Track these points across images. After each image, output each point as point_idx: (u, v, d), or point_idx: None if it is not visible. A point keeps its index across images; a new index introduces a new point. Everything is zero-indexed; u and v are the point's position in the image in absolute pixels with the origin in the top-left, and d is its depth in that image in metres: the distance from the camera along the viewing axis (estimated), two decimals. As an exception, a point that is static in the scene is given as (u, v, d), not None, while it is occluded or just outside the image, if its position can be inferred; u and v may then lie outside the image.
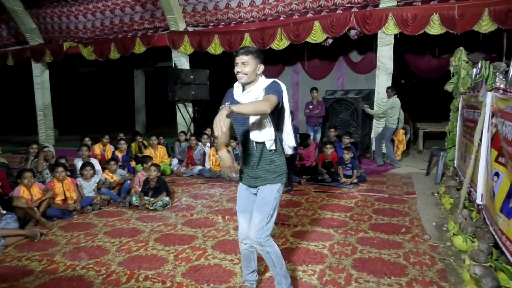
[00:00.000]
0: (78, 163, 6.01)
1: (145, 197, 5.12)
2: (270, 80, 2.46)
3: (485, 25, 7.09)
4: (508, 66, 4.01)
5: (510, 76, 3.73)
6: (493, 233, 2.78)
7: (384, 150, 7.50)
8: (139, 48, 10.26)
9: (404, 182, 6.12)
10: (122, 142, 7.24)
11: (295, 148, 2.60)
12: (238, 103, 2.40)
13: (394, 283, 2.89)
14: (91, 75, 14.82)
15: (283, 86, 2.45)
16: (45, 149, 6.28)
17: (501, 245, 2.51)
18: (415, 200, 5.08)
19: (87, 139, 7.29)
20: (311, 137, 7.94)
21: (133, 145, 7.91)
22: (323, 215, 4.56)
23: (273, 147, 2.42)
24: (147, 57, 11.97)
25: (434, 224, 4.19)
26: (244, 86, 2.47)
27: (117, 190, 5.63)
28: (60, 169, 5.00)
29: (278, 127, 2.46)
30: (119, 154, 7.07)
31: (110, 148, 7.39)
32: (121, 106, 15.23)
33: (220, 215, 4.61)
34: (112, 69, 13.67)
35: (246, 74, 2.39)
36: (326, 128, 8.05)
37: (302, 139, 7.45)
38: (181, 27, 9.82)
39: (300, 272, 3.10)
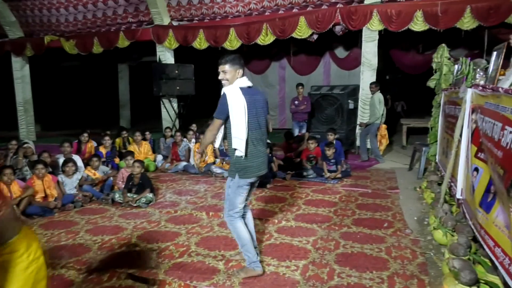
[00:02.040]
0: (60, 159, 5.90)
1: (128, 194, 5.06)
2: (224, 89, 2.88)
3: (467, 22, 7.20)
4: (488, 63, 4.08)
5: (490, 72, 3.80)
6: (472, 227, 2.83)
7: (369, 146, 7.57)
8: (123, 42, 10.09)
9: (387, 177, 6.20)
10: (107, 138, 7.13)
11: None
12: None
13: (376, 277, 2.92)
14: (75, 69, 14.53)
15: (229, 96, 2.81)
16: (25, 145, 6.14)
17: (480, 239, 2.56)
18: (398, 195, 5.15)
19: (85, 134, 7.11)
20: (297, 132, 7.96)
21: (117, 140, 7.79)
22: (307, 211, 4.58)
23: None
24: (132, 51, 11.79)
25: (415, 218, 4.25)
26: None
27: (99, 187, 5.54)
28: (40, 166, 4.90)
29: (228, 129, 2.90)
30: (103, 150, 6.96)
31: (92, 144, 7.26)
32: (105, 101, 14.99)
33: (204, 212, 4.59)
34: (96, 64, 13.42)
35: (227, 80, 2.87)
36: (312, 124, 8.08)
37: (286, 137, 7.48)
38: (166, 21, 9.70)
39: (284, 268, 3.11)
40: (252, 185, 3.02)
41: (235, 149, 2.86)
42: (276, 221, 4.21)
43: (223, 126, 2.94)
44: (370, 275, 2.96)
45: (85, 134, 7.10)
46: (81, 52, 10.66)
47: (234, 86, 2.85)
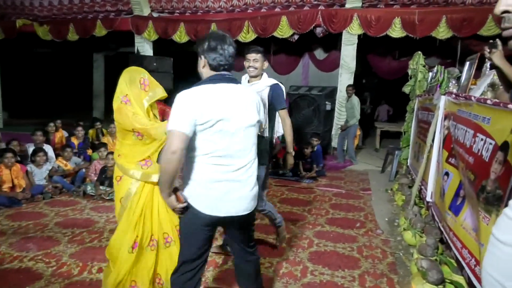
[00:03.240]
0: (30, 148, 5.68)
1: (101, 187, 4.94)
2: (273, 81, 3.07)
3: (442, 32, 7.47)
4: (461, 72, 4.25)
5: (462, 81, 3.95)
6: (442, 229, 2.95)
7: (345, 148, 7.72)
8: (100, 31, 9.83)
9: (360, 178, 6.34)
10: (79, 128, 6.92)
11: None
12: None
13: (348, 275, 2.99)
14: (47, 56, 13.99)
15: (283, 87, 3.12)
16: (-8, 132, 5.89)
17: (448, 241, 2.67)
18: (370, 196, 5.28)
19: (52, 124, 6.87)
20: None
21: (91, 131, 7.59)
22: (282, 209, 4.62)
23: None
24: (108, 41, 11.48)
25: (386, 219, 4.38)
26: (250, 78, 3.06)
27: (70, 179, 5.39)
28: (9, 154, 4.71)
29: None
30: (75, 141, 6.76)
31: (62, 134, 7.04)
32: (79, 91, 14.53)
33: (179, 207, 4.54)
34: (70, 52, 12.98)
35: (256, 68, 2.99)
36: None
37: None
38: (146, 12, 9.52)
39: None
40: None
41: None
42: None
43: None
44: (342, 273, 3.03)
45: (51, 124, 6.85)
46: (55, 39, 10.31)
47: (271, 79, 3.09)
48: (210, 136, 1.75)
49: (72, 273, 2.92)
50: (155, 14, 9.62)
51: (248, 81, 3.09)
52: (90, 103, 13.91)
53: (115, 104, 2.40)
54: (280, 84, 3.12)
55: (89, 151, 6.74)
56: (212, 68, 1.85)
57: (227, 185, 1.80)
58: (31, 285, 2.73)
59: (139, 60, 9.14)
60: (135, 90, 2.38)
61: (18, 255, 3.19)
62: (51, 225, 3.94)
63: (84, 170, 5.52)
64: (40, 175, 5.10)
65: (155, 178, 2.31)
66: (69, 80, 14.96)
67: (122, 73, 2.46)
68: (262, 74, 3.06)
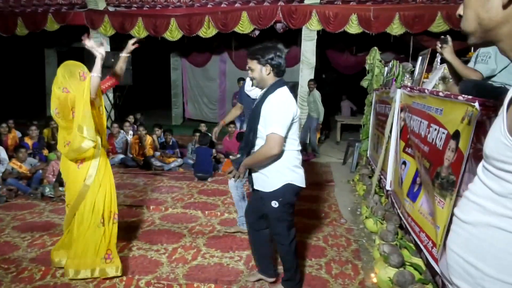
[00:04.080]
0: (-21, 150, 5.34)
1: (60, 188, 4.74)
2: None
3: (396, 28, 7.81)
4: (414, 66, 4.49)
5: (416, 75, 4.18)
6: (401, 215, 3.12)
7: (307, 141, 7.90)
8: (52, 25, 9.35)
9: (323, 170, 6.53)
10: (33, 128, 6.58)
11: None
12: (248, 96, 3.36)
13: (315, 264, 3.10)
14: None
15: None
16: None
17: (407, 226, 2.83)
18: (333, 187, 5.46)
19: (4, 125, 6.47)
20: (238, 127, 8.03)
21: (45, 131, 7.23)
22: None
23: None
24: (61, 36, 10.93)
25: (349, 209, 4.55)
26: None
27: (26, 181, 5.12)
28: (-44, 157, 4.41)
29: None
30: (29, 142, 6.43)
31: (15, 135, 6.67)
32: (30, 89, 13.76)
33: (144, 205, 4.47)
34: (19, 47, 12.24)
35: (255, 78, 3.02)
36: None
37: (238, 138, 7.49)
38: (101, 6, 9.17)
39: (227, 259, 3.17)
40: None
41: None
42: (219, 213, 4.25)
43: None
44: (309, 262, 3.13)
45: (4, 125, 6.49)
46: (2, 34, 9.68)
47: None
48: (293, 130, 2.33)
49: (34, 278, 2.81)
50: (111, 8, 9.29)
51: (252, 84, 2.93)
52: (43, 101, 13.20)
53: (55, 96, 2.65)
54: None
55: (45, 152, 6.44)
56: (277, 74, 2.33)
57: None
58: (-10, 293, 2.60)
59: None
60: (74, 82, 2.63)
61: (-27, 263, 3.01)
62: (8, 229, 3.74)
63: (41, 171, 5.27)
64: (-8, 178, 4.81)
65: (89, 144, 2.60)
66: (20, 77, 14.12)
67: (59, 67, 2.71)
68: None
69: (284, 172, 2.34)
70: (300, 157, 2.46)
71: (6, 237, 3.56)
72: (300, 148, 2.45)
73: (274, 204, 2.36)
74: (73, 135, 2.60)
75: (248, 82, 3.31)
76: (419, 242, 2.47)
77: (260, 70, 2.32)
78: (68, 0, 9.36)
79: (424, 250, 2.33)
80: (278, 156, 2.27)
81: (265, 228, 2.62)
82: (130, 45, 2.96)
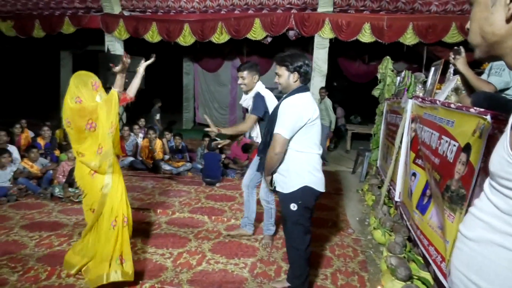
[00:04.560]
0: (-8, 149, 5.43)
1: (70, 189, 4.80)
2: (257, 90, 3.32)
3: (409, 38, 7.76)
4: (427, 77, 4.44)
5: (428, 86, 4.13)
6: (409, 227, 3.07)
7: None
8: (68, 28, 9.53)
9: (332, 179, 6.47)
10: (46, 128, 6.69)
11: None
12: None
13: (320, 274, 3.06)
14: (11, 53, 13.38)
15: (267, 97, 3.29)
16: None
17: (416, 238, 2.78)
18: (342, 196, 5.41)
19: (18, 125, 6.60)
20: (247, 134, 8.02)
21: (57, 132, 7.33)
22: (258, 209, 4.62)
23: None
24: (76, 38, 11.13)
25: (357, 219, 4.50)
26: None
27: (37, 181, 5.19)
28: (-30, 155, 4.49)
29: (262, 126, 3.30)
30: (41, 142, 6.52)
31: (28, 135, 6.78)
32: (45, 90, 13.99)
33: (152, 209, 4.48)
34: (36, 49, 12.48)
35: (245, 85, 3.33)
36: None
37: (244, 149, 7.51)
38: (116, 10, 9.32)
39: (232, 265, 3.15)
40: None
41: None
42: (226, 219, 4.23)
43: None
44: (315, 272, 3.09)
45: (18, 125, 6.61)
46: (20, 35, 9.91)
47: (262, 88, 3.34)
48: (311, 134, 2.41)
49: (40, 277, 2.83)
50: (126, 13, 9.43)
51: (245, 92, 3.43)
52: (57, 103, 13.41)
53: (68, 107, 2.66)
54: (263, 91, 3.34)
55: (57, 152, 6.53)
56: (303, 81, 2.44)
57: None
58: (-5, 291, 2.62)
59: (110, 59, 8.92)
60: (87, 92, 2.68)
61: (-19, 261, 3.05)
62: (17, 228, 3.79)
63: (51, 171, 5.34)
64: (4, 176, 4.89)
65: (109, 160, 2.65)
66: (35, 78, 14.39)
67: (72, 78, 2.74)
68: (254, 86, 3.34)
69: (303, 175, 2.38)
70: (321, 161, 2.50)
71: (14, 235, 3.60)
72: (321, 152, 2.49)
73: (293, 207, 2.41)
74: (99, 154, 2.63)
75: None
76: (427, 256, 2.42)
77: (287, 77, 2.41)
78: (84, 3, 9.54)
79: (433, 264, 2.28)
80: (296, 158, 2.37)
81: None
82: (144, 65, 3.07)
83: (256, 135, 3.42)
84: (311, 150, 2.41)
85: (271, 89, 9.02)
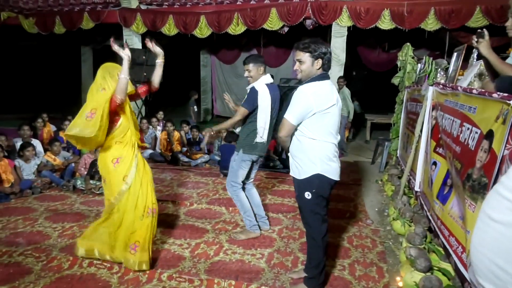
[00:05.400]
0: (18, 143, 5.60)
1: (91, 181, 4.91)
2: (252, 85, 3.32)
3: (431, 24, 7.51)
4: (449, 63, 4.29)
5: (450, 72, 3.99)
6: (430, 218, 2.99)
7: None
8: (87, 23, 9.67)
9: (350, 169, 6.39)
10: (67, 122, 6.83)
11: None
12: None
13: (338, 265, 3.04)
14: (33, 49, 13.73)
15: (260, 92, 3.25)
16: (-22, 127, 5.78)
17: (436, 229, 2.71)
18: (360, 187, 5.34)
19: (40, 120, 6.80)
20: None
21: (79, 126, 7.49)
22: (273, 201, 4.65)
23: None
24: (96, 34, 11.30)
25: (376, 209, 4.43)
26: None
27: (60, 173, 5.33)
28: (-4, 149, 4.64)
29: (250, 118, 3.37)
30: (63, 136, 6.68)
31: (50, 129, 6.96)
32: (66, 85, 14.32)
33: (170, 200, 4.54)
34: (57, 45, 12.76)
35: (252, 77, 3.33)
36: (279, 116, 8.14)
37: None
38: (134, 4, 9.39)
39: (249, 256, 3.16)
40: (253, 163, 3.48)
41: (255, 135, 3.31)
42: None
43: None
44: (332, 262, 3.07)
45: (40, 120, 6.79)
46: (42, 32, 10.12)
47: (261, 83, 3.30)
48: (327, 122, 2.39)
49: (62, 267, 2.91)
50: (143, 7, 9.49)
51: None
52: (78, 97, 13.71)
53: (92, 98, 2.73)
54: (260, 86, 3.29)
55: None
56: (325, 69, 2.41)
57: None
58: (21, 279, 2.71)
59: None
60: (113, 84, 2.72)
61: (7, 250, 3.16)
62: (41, 219, 3.91)
63: (73, 164, 5.47)
64: (28, 170, 5.04)
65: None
66: (56, 73, 14.73)
67: (99, 69, 2.82)
68: (260, 78, 3.33)
69: (316, 162, 2.38)
70: (336, 150, 2.49)
71: (38, 226, 3.72)
72: (337, 141, 2.48)
73: (308, 195, 2.43)
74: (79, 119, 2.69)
75: None
76: (448, 247, 2.36)
77: (311, 64, 2.37)
78: (102, -2, 9.66)
79: (453, 255, 2.22)
80: (310, 145, 2.37)
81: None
82: (153, 46, 3.04)
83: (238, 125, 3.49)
84: (325, 138, 2.39)
85: (288, 80, 8.98)
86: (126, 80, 2.67)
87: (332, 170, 2.43)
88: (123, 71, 2.67)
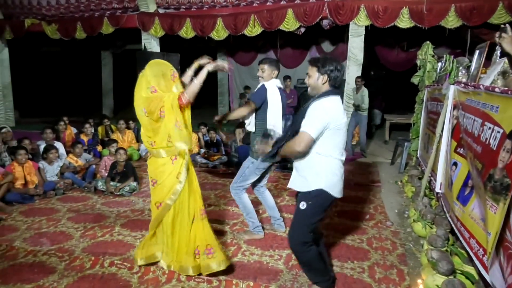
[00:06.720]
0: (41, 146, 5.77)
1: (112, 182, 5.01)
2: (262, 83, 3.35)
3: (451, 21, 7.35)
4: (471, 61, 4.18)
5: (472, 70, 3.90)
6: (450, 219, 2.93)
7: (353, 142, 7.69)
8: (107, 28, 9.88)
9: (370, 170, 6.31)
10: (88, 125, 7.01)
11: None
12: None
13: (357, 267, 3.00)
14: (55, 55, 14.13)
15: (269, 89, 3.29)
16: (3, 130, 5.99)
17: (456, 231, 2.65)
18: (380, 188, 5.26)
19: (62, 123, 7.00)
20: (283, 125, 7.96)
21: (99, 129, 7.67)
22: (291, 202, 4.63)
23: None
24: (116, 38, 11.55)
25: (396, 211, 4.36)
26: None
27: (81, 175, 5.47)
28: (23, 152, 4.79)
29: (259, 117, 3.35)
30: (84, 138, 6.85)
31: (71, 131, 7.14)
32: (87, 89, 14.67)
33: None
34: (78, 50, 13.10)
35: (263, 77, 3.38)
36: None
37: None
38: (152, 8, 9.54)
39: (267, 257, 3.16)
40: (269, 167, 3.49)
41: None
42: (261, 211, 4.24)
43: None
44: (351, 264, 3.04)
45: (61, 123, 6.97)
46: (63, 37, 10.39)
47: (272, 83, 3.34)
48: (335, 137, 2.37)
49: (84, 266, 2.98)
50: (161, 10, 9.64)
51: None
52: (99, 101, 14.04)
53: (140, 96, 2.71)
54: (271, 86, 3.32)
55: (99, 148, 6.83)
56: (332, 85, 2.42)
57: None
58: (45, 278, 2.79)
59: (146, 57, 9.19)
60: (165, 82, 2.71)
61: (32, 250, 3.26)
62: (64, 220, 4.01)
63: (94, 166, 5.60)
64: (51, 171, 5.19)
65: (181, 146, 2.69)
66: (78, 78, 15.10)
67: (147, 66, 2.74)
68: (270, 81, 3.35)
69: (321, 176, 2.36)
70: (342, 167, 2.46)
71: (61, 227, 3.82)
72: (343, 158, 2.46)
73: (302, 205, 2.40)
74: (173, 136, 2.67)
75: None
76: (469, 249, 2.30)
77: (316, 78, 2.42)
78: (121, 4, 9.84)
79: (474, 258, 2.16)
80: (316, 160, 2.35)
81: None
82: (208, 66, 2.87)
83: (249, 123, 3.41)
84: (332, 154, 2.37)
85: (303, 81, 8.93)
86: (200, 86, 2.70)
87: (335, 188, 2.40)
88: (199, 78, 2.71)
